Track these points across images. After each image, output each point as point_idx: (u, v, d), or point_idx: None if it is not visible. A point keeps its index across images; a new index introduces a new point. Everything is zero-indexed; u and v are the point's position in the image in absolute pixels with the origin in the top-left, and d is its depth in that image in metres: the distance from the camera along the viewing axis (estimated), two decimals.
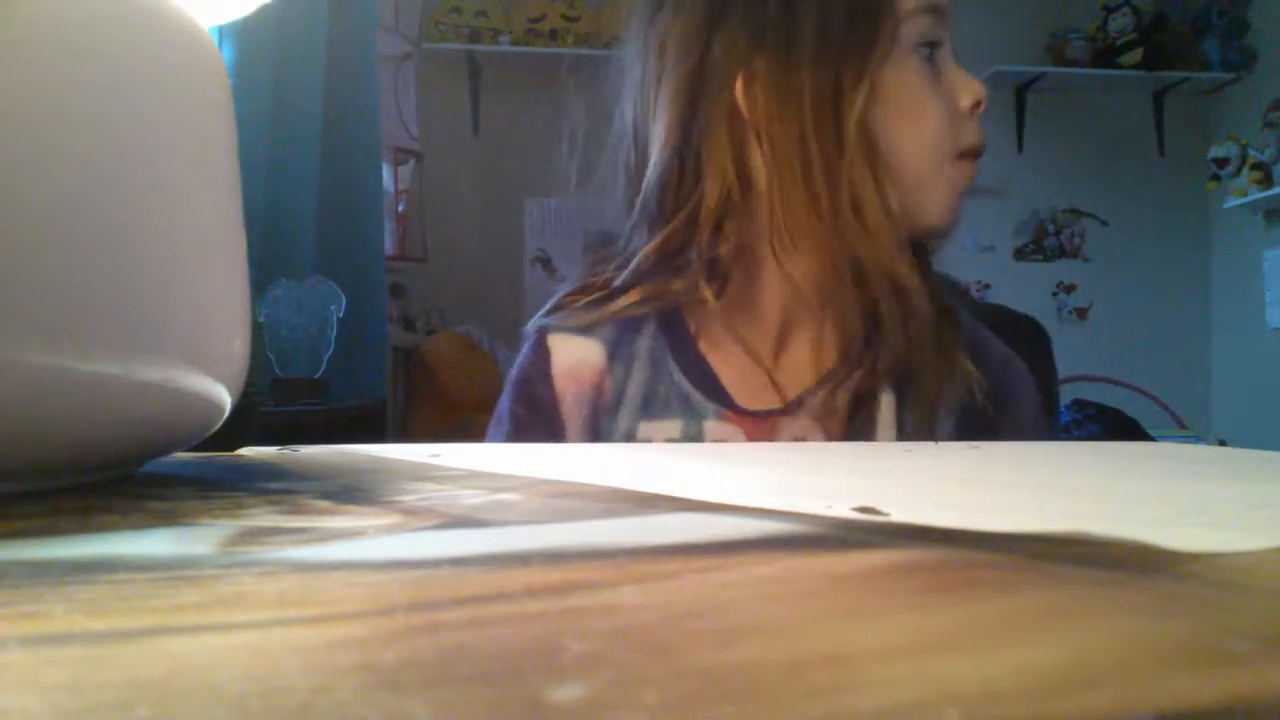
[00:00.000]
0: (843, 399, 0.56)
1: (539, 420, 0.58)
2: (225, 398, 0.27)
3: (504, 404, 0.60)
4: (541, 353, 0.59)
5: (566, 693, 0.06)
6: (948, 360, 0.56)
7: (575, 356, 0.58)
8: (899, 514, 0.15)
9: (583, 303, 0.59)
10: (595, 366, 0.58)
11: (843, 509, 0.16)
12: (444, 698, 0.06)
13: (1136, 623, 0.08)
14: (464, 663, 0.07)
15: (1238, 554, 0.12)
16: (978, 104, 0.60)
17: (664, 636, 0.08)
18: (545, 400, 0.58)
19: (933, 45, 0.59)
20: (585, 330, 0.58)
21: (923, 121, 0.59)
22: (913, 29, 0.58)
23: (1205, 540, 0.12)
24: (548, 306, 0.61)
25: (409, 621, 0.09)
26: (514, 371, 0.60)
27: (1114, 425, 2.30)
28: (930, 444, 0.37)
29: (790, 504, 0.15)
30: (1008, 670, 0.07)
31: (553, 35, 2.71)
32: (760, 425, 0.56)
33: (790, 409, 0.57)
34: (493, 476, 0.24)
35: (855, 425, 0.57)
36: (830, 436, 0.56)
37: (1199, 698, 0.06)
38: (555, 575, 0.11)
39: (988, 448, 0.31)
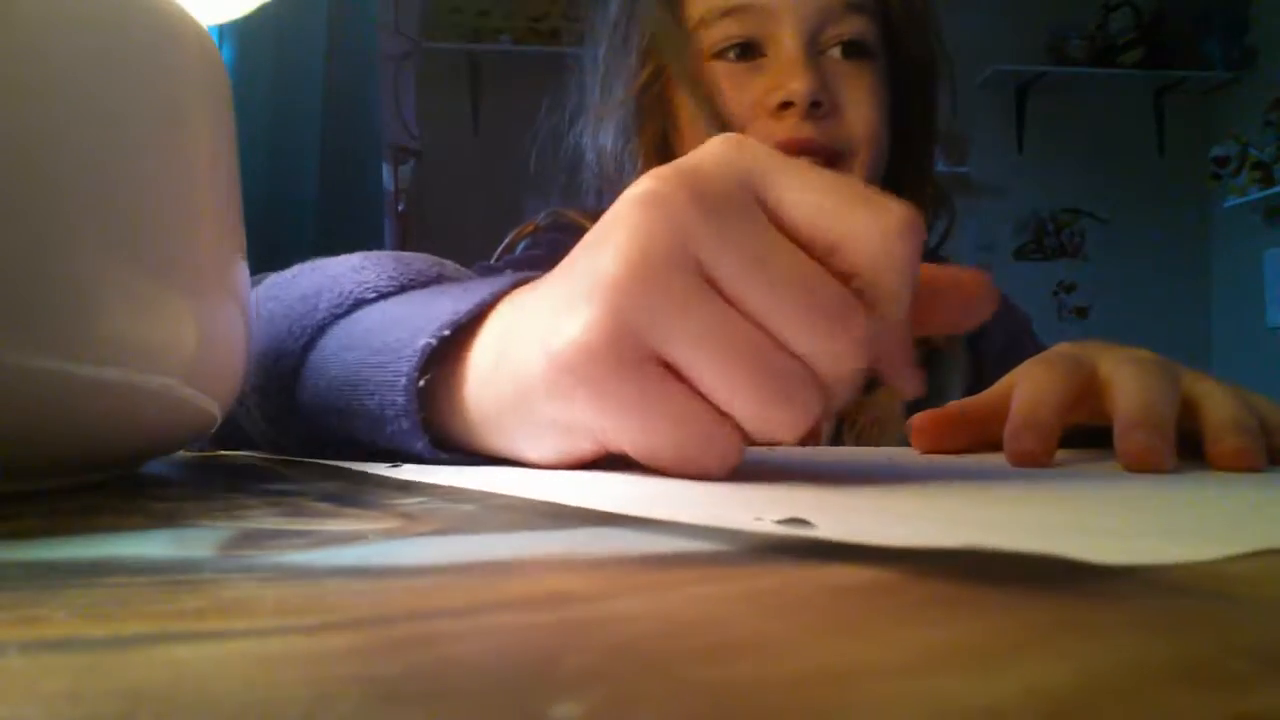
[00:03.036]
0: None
1: None
2: (225, 398, 0.27)
3: None
4: None
5: (565, 710, 0.06)
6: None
7: None
8: (901, 526, 0.15)
9: None
10: None
11: (845, 519, 0.16)
12: (444, 712, 0.06)
13: (1138, 640, 0.08)
14: (463, 675, 0.07)
15: (1239, 562, 0.12)
16: (786, 104, 0.58)
17: (662, 651, 0.08)
18: None
19: (746, 44, 0.60)
20: None
21: (710, 131, 0.61)
22: (708, 36, 0.61)
23: (1207, 548, 0.12)
24: None
25: (409, 631, 0.09)
26: None
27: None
28: (935, 459, 0.37)
29: (790, 514, 0.15)
30: (1010, 691, 0.07)
31: (554, 34, 2.71)
32: None
33: None
34: (492, 481, 0.24)
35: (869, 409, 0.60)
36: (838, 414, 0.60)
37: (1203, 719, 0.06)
38: (554, 585, 0.11)
39: (996, 468, 0.31)
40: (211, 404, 0.26)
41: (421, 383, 0.28)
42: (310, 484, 0.25)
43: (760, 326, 0.21)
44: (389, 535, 0.15)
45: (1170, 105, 3.05)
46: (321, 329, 0.34)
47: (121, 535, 0.15)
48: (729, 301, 0.21)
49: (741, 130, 0.58)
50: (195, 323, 0.24)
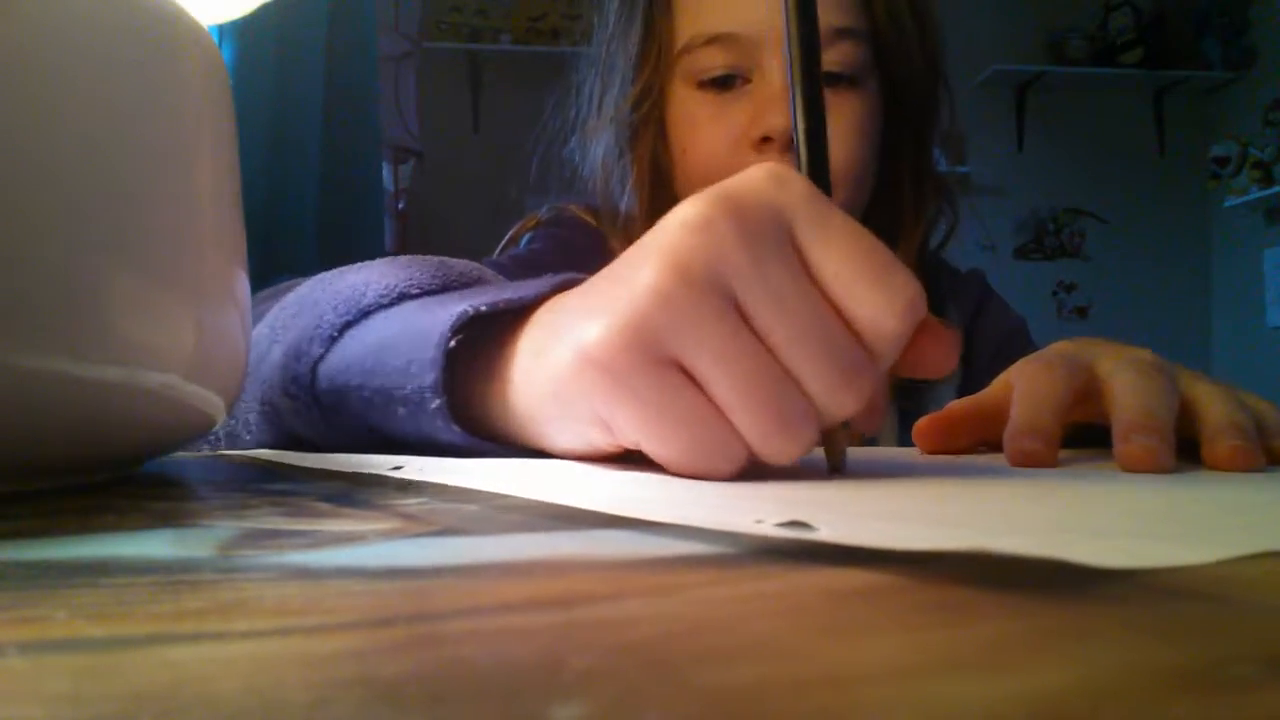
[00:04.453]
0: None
1: None
2: (226, 396, 0.27)
3: None
4: None
5: (569, 712, 0.06)
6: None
7: None
8: (902, 528, 0.15)
9: None
10: None
11: (846, 522, 0.16)
12: (446, 714, 0.06)
13: (1137, 644, 0.08)
14: (466, 677, 0.07)
15: (1237, 565, 0.12)
16: (766, 139, 0.60)
17: (666, 653, 0.08)
18: None
19: (731, 76, 0.61)
20: None
21: (689, 155, 0.64)
22: (692, 63, 0.62)
23: (1206, 551, 0.12)
24: None
25: (410, 633, 0.09)
26: None
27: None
28: (935, 460, 0.37)
29: (792, 517, 0.15)
30: (1009, 694, 0.07)
31: (554, 34, 2.71)
32: None
33: None
34: (493, 481, 0.24)
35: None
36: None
37: None
38: (557, 586, 0.11)
39: (997, 467, 0.31)
40: (212, 403, 0.26)
41: (453, 343, 0.29)
42: (311, 484, 0.25)
43: (777, 359, 0.23)
44: (389, 536, 0.15)
45: (1170, 105, 3.05)
46: (366, 312, 0.35)
47: (121, 535, 0.15)
48: (753, 330, 0.23)
49: (702, 167, 0.62)
50: (195, 322, 0.24)
